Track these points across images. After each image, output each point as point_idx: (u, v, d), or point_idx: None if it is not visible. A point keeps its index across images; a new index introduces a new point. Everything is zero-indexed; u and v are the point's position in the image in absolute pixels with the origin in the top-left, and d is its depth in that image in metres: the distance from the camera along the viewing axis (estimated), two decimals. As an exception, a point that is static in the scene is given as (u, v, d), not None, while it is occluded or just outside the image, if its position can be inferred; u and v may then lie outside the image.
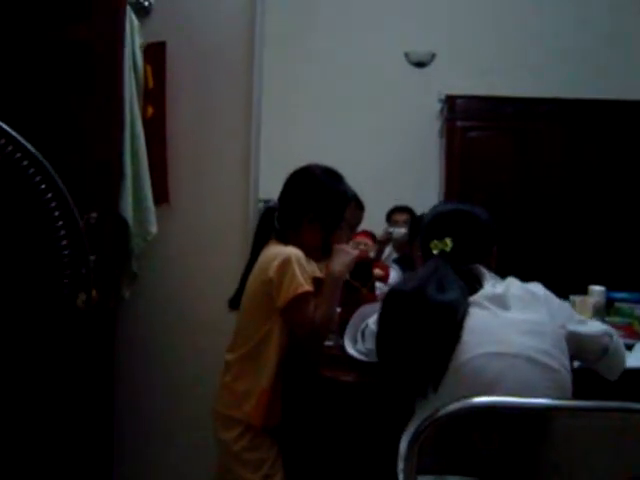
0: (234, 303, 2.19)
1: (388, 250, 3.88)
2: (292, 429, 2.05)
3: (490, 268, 1.82)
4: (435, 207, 1.96)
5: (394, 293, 1.77)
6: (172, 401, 2.88)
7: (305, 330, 1.98)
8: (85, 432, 2.35)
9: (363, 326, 1.93)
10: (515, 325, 1.61)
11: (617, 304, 2.69)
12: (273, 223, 2.17)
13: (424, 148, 4.84)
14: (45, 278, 1.90)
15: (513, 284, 1.73)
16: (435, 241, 1.79)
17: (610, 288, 2.71)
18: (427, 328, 1.59)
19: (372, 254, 3.65)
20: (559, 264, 4.14)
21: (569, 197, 4.37)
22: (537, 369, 1.54)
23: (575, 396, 1.56)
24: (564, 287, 2.68)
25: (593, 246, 4.17)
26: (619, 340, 1.81)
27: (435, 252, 1.78)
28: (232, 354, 2.07)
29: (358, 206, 2.69)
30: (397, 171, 4.74)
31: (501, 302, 1.65)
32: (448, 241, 1.77)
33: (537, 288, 1.74)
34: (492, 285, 1.70)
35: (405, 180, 4.63)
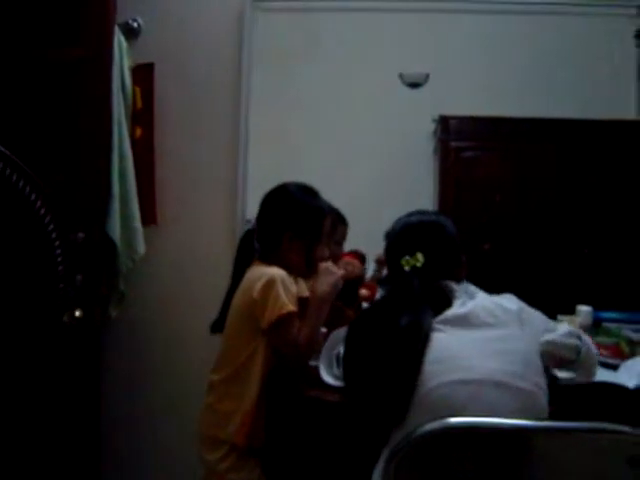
0: (216, 327, 2.18)
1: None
2: (277, 449, 2.03)
3: (460, 279, 1.79)
4: (398, 221, 1.89)
5: (361, 316, 1.75)
6: (159, 420, 2.87)
7: (289, 350, 1.98)
8: (71, 447, 2.35)
9: (337, 350, 1.90)
10: (481, 347, 1.55)
11: (605, 324, 2.68)
12: (253, 245, 2.17)
13: (419, 168, 4.81)
14: (40, 292, 1.90)
15: (482, 300, 1.68)
16: (406, 257, 1.73)
17: (601, 307, 2.70)
18: (390, 353, 1.54)
19: (374, 274, 3.62)
20: (553, 283, 4.13)
21: (563, 216, 4.36)
22: (505, 393, 1.48)
23: (560, 416, 1.54)
24: (556, 306, 2.69)
25: (586, 265, 4.16)
26: (587, 339, 1.77)
27: (407, 269, 1.72)
28: (216, 375, 2.06)
29: (341, 221, 2.68)
30: (392, 191, 4.71)
31: (467, 322, 1.59)
32: (420, 256, 1.72)
33: (510, 302, 1.69)
34: (461, 304, 1.65)
35: (400, 200, 4.59)
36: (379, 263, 3.76)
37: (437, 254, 1.76)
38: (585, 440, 1.22)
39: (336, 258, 2.49)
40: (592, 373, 1.78)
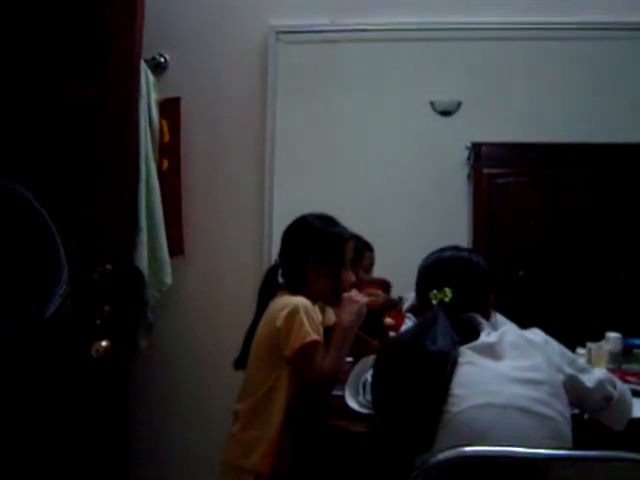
0: (239, 363, 2.19)
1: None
2: (301, 479, 2.03)
3: (487, 316, 1.81)
4: (431, 255, 1.93)
5: (390, 344, 1.78)
6: (187, 451, 2.87)
7: (312, 379, 1.98)
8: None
9: (364, 378, 1.91)
10: (506, 375, 1.57)
11: (635, 350, 2.64)
12: (277, 281, 2.20)
13: (452, 196, 4.78)
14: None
15: (508, 332, 1.70)
16: (434, 291, 1.78)
17: (632, 334, 2.66)
18: (418, 379, 1.58)
19: (409, 302, 3.56)
20: (584, 309, 4.07)
21: (598, 242, 4.31)
22: (531, 419, 1.50)
23: (586, 447, 1.52)
24: (586, 332, 2.65)
25: (621, 291, 4.09)
26: (624, 388, 1.75)
27: (434, 302, 1.76)
28: (241, 404, 2.08)
29: (367, 247, 2.70)
30: (426, 219, 4.68)
31: (493, 352, 1.62)
32: (448, 291, 1.76)
33: (534, 334, 1.71)
34: (487, 334, 1.68)
35: (434, 228, 4.57)
36: (412, 311, 3.70)
37: (466, 291, 1.81)
38: (604, 469, 1.19)
39: (363, 285, 2.50)
40: (622, 422, 1.74)
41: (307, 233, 2.17)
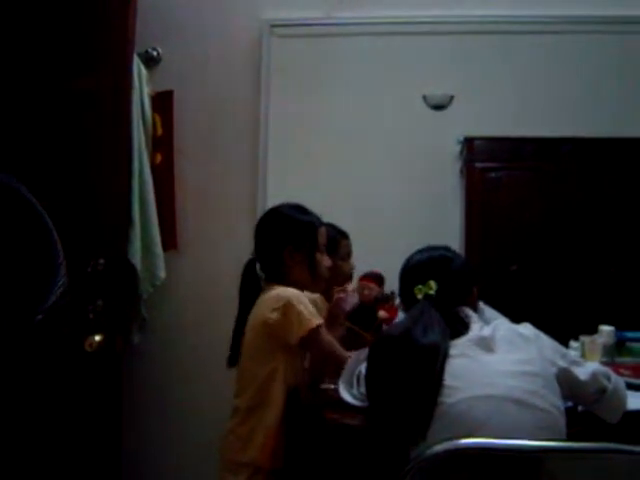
0: (232, 360, 2.20)
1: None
2: (298, 473, 2.03)
3: (474, 308, 1.83)
4: (410, 258, 1.96)
5: (381, 338, 1.80)
6: (181, 446, 2.87)
7: (328, 357, 2.07)
8: (92, 476, 2.35)
9: (358, 371, 1.92)
10: (501, 367, 1.58)
11: (628, 344, 2.65)
12: (256, 275, 2.23)
13: (445, 190, 4.77)
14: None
15: (501, 325, 1.72)
16: (419, 286, 1.80)
17: (625, 327, 2.67)
18: (411, 371, 1.59)
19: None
20: (577, 303, 4.08)
21: (590, 236, 4.31)
22: (526, 411, 1.50)
23: (580, 439, 1.52)
24: (579, 326, 2.65)
25: (612, 285, 4.10)
26: (618, 380, 1.75)
27: (420, 297, 1.79)
28: (239, 399, 2.08)
29: (342, 235, 2.70)
30: (418, 214, 4.68)
31: (486, 345, 1.63)
32: (432, 284, 1.78)
33: (526, 329, 1.71)
34: (479, 328, 1.69)
35: (426, 222, 4.57)
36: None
37: (448, 285, 1.82)
38: (598, 461, 1.20)
39: (338, 271, 2.52)
40: (616, 415, 1.73)
41: (280, 221, 2.21)
